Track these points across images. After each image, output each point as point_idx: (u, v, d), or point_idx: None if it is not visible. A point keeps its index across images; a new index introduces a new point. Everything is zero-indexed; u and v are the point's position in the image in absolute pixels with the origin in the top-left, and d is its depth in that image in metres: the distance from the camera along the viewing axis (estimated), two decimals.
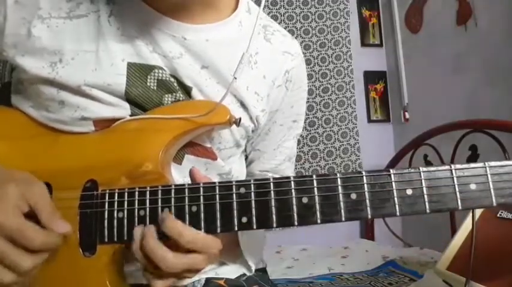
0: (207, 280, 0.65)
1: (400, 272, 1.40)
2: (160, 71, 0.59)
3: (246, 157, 0.78)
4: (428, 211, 0.48)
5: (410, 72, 2.25)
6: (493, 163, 0.49)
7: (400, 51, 2.29)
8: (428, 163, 1.78)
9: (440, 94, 2.01)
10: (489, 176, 0.48)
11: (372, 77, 2.39)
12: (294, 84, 0.72)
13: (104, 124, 0.59)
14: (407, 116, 2.24)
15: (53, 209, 0.50)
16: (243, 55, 0.60)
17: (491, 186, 0.48)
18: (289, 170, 0.82)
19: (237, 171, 0.71)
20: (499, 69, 1.69)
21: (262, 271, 0.75)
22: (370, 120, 2.37)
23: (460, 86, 1.89)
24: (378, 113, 2.39)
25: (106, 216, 0.54)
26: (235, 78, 0.59)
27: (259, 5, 0.64)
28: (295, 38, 2.29)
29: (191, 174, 0.54)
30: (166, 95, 0.60)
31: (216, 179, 0.67)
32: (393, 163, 2.02)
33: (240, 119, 0.62)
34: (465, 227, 0.94)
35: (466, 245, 0.91)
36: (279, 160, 0.78)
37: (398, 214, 0.49)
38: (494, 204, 0.48)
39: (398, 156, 2.01)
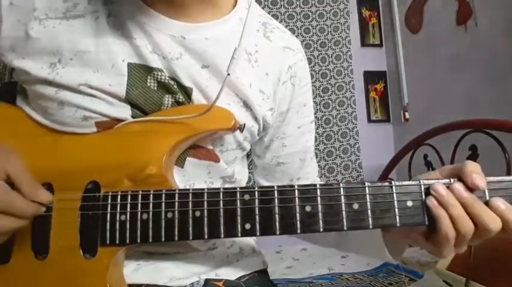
0: (206, 281, 0.65)
1: (400, 272, 1.40)
2: (159, 73, 0.59)
3: (248, 155, 0.77)
4: (427, 222, 0.50)
5: (410, 72, 2.25)
6: (490, 179, 0.51)
7: (400, 51, 2.30)
8: (428, 163, 1.78)
9: (440, 94, 2.01)
10: (486, 191, 0.50)
11: (372, 77, 2.39)
12: (301, 80, 0.71)
13: (106, 126, 0.59)
14: (407, 116, 2.25)
15: (33, 180, 0.53)
16: (235, 50, 0.59)
17: (488, 200, 0.50)
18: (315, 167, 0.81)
19: (240, 173, 0.71)
20: (498, 69, 1.69)
21: (262, 272, 0.75)
22: (370, 120, 2.37)
23: (460, 85, 1.89)
24: (378, 113, 2.39)
25: (108, 218, 0.53)
26: (229, 74, 0.58)
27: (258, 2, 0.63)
28: (296, 37, 2.29)
29: None
30: (167, 96, 0.60)
31: (218, 182, 0.67)
32: (393, 163, 2.02)
33: (245, 125, 0.62)
34: None
35: None
36: (316, 167, 0.79)
37: (398, 225, 0.50)
38: None
39: (398, 156, 2.01)
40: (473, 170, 0.50)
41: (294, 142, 0.74)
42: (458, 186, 0.49)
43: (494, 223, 0.48)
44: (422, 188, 0.50)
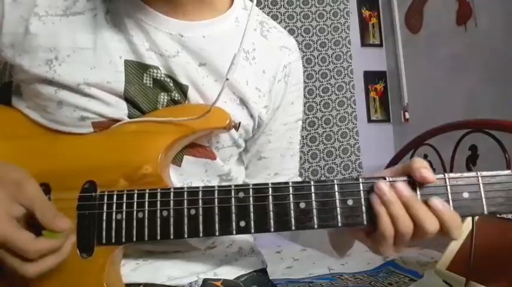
0: (205, 280, 0.65)
1: (400, 272, 1.40)
2: (155, 70, 0.60)
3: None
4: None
5: (410, 72, 2.25)
6: (484, 173, 0.50)
7: (400, 51, 2.30)
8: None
9: (440, 94, 2.01)
10: (481, 185, 0.50)
11: (371, 77, 2.39)
12: (293, 79, 0.71)
13: (102, 126, 0.59)
14: (407, 116, 2.25)
15: (49, 207, 0.50)
16: (234, 56, 0.59)
17: (483, 195, 0.50)
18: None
19: (236, 171, 0.71)
20: (498, 69, 1.69)
21: (262, 272, 0.75)
22: (370, 120, 2.37)
23: (460, 86, 1.89)
24: (378, 113, 2.39)
25: (104, 217, 0.54)
26: (228, 79, 0.59)
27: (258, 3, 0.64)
28: (296, 37, 2.30)
29: None
30: (162, 94, 0.60)
31: (216, 180, 0.67)
32: (393, 163, 2.02)
33: (240, 123, 0.62)
34: (465, 227, 0.94)
35: (465, 245, 0.91)
36: (295, 166, 0.78)
37: None
38: (486, 212, 0.50)
39: (398, 156, 2.00)
40: (421, 165, 0.50)
41: (278, 139, 0.74)
42: (401, 185, 0.49)
43: (431, 225, 0.48)
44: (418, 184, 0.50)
